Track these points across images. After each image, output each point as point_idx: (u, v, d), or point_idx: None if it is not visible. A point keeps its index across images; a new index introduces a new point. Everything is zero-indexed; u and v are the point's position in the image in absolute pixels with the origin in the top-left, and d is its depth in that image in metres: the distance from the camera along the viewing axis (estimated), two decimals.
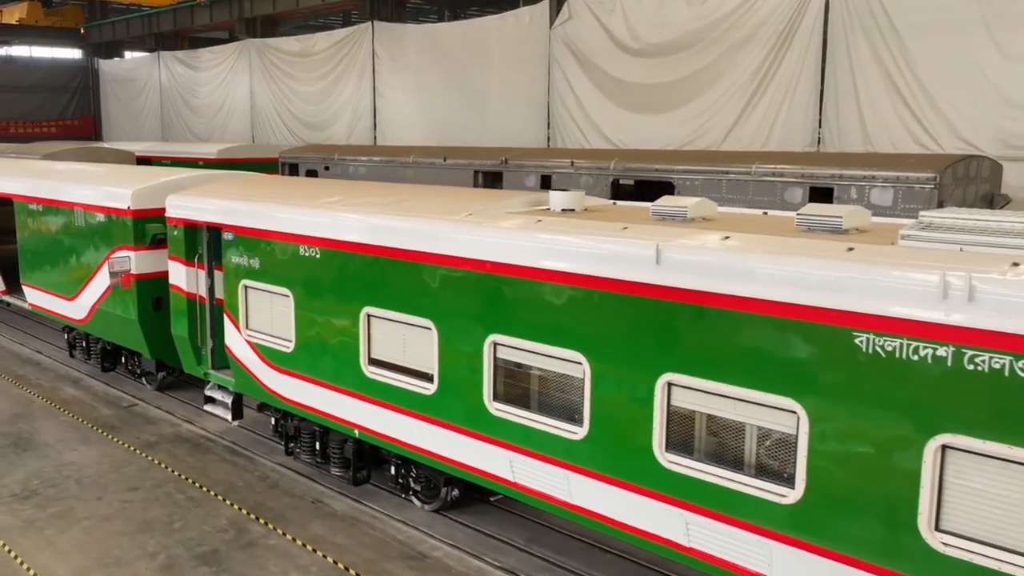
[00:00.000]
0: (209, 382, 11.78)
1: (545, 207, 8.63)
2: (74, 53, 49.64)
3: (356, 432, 9.32)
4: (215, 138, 38.30)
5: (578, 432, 7.06)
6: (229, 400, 11.36)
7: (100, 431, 12.37)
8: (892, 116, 18.43)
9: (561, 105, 24.84)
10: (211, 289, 11.49)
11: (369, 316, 8.83)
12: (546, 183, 19.24)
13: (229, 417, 11.38)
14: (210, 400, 11.82)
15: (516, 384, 7.59)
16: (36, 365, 15.85)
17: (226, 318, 10.77)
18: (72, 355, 15.40)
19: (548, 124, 25.36)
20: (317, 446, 10.21)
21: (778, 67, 20.33)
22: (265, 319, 10.20)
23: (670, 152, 18.68)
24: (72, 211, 13.68)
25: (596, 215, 7.94)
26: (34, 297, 15.49)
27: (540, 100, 25.42)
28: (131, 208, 12.26)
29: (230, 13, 36.08)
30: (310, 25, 45.28)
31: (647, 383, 6.52)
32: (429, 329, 8.19)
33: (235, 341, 10.69)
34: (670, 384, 6.46)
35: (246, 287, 10.38)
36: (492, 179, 20.96)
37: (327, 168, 24.81)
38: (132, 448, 11.71)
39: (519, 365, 7.52)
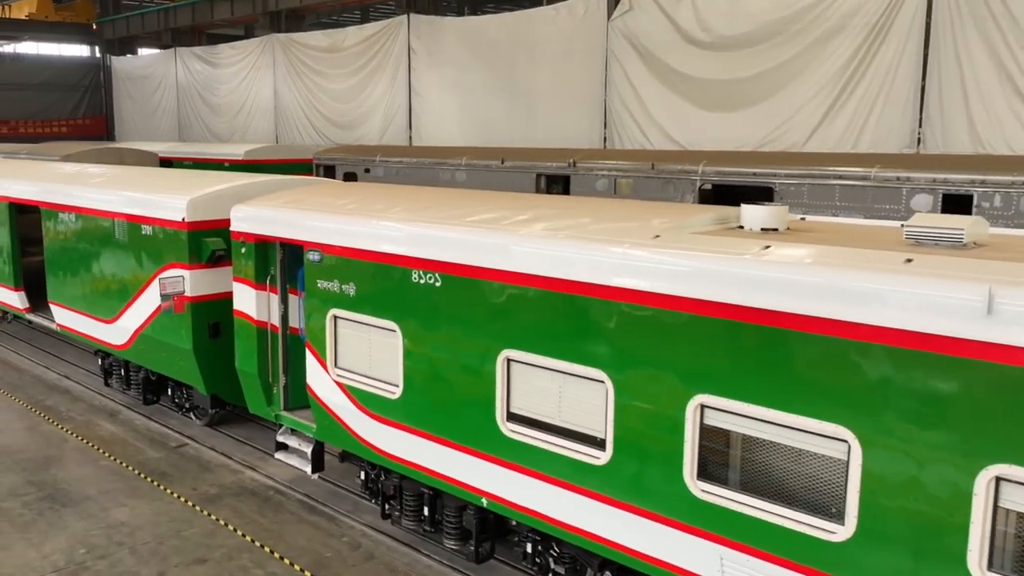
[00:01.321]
0: (281, 426, 10.02)
1: (733, 224, 6.86)
2: (85, 50, 47.92)
3: (483, 500, 7.55)
4: (236, 138, 36.56)
5: (836, 531, 5.29)
6: (308, 449, 9.58)
7: (149, 479, 10.61)
8: (1007, 113, 16.66)
9: (620, 103, 23.07)
10: (284, 317, 9.74)
11: (509, 361, 7.06)
12: (620, 188, 17.49)
13: (308, 470, 9.60)
14: (282, 447, 10.05)
15: (734, 461, 5.82)
16: (65, 393, 14.09)
17: (308, 353, 9.00)
18: (108, 384, 13.63)
19: (604, 124, 23.59)
20: (425, 511, 8.43)
21: (871, 61, 18.54)
22: (361, 357, 8.43)
23: (769, 154, 16.90)
24: (112, 222, 11.92)
25: (818, 237, 6.17)
26: (63, 317, 13.73)
27: (595, 98, 23.65)
28: (186, 220, 10.50)
29: (253, 7, 34.30)
30: (334, 20, 43.52)
31: (965, 476, 4.76)
32: (600, 383, 6.42)
33: (319, 381, 8.93)
34: (999, 479, 4.70)
35: (336, 318, 8.61)
36: (557, 184, 19.21)
37: (367, 171, 23.07)
38: (191, 503, 9.94)
39: (747, 439, 5.74)
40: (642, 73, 22.46)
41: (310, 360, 9.01)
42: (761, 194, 16.56)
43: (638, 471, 6.27)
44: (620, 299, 6.21)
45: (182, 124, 40.18)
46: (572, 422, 6.74)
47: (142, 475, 10.74)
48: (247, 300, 9.75)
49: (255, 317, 9.70)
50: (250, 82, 35.73)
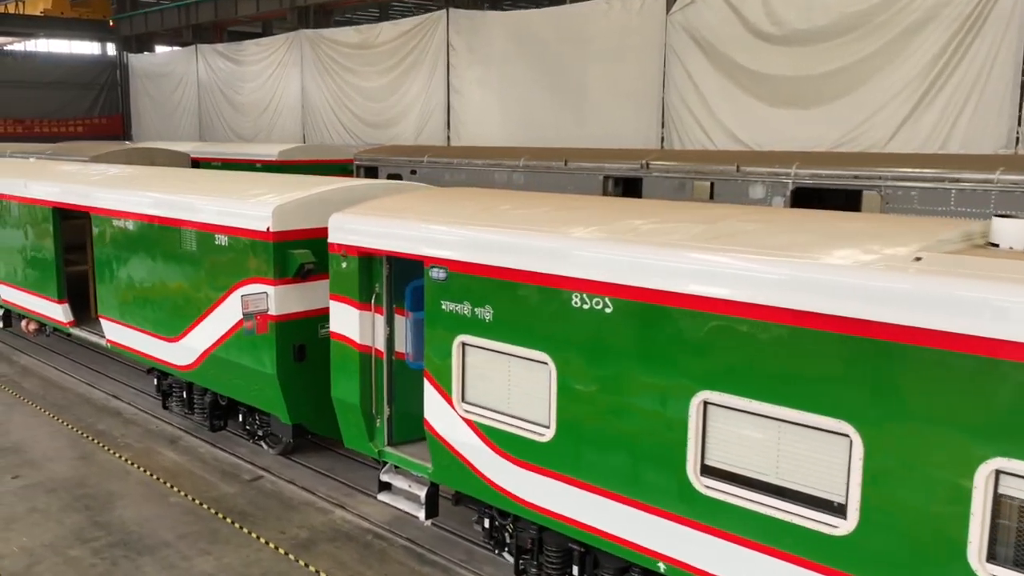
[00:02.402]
0: (384, 463, 8.85)
1: (979, 241, 5.69)
2: (100, 47, 46.80)
3: (660, 565, 6.39)
4: (260, 138, 35.43)
5: None
6: (420, 491, 8.41)
7: (229, 520, 9.45)
8: None
9: (679, 101, 21.90)
10: (390, 340, 8.58)
11: (707, 405, 5.90)
12: (700, 191, 16.33)
13: (420, 515, 8.43)
14: (385, 487, 8.88)
15: None
16: (116, 416, 12.93)
17: (428, 384, 7.84)
18: (166, 407, 12.46)
19: (662, 123, 22.43)
20: (575, 570, 7.27)
21: (963, 55, 17.38)
22: (498, 392, 7.28)
23: (873, 155, 15.75)
24: (179, 231, 10.75)
25: None
26: (115, 333, 12.58)
27: (652, 96, 22.49)
28: (271, 230, 9.33)
29: (280, 2, 33.14)
30: (360, 17, 42.31)
31: None
32: (843, 436, 5.26)
33: (442, 416, 7.77)
34: None
35: (466, 345, 7.46)
36: (628, 187, 18.05)
37: (414, 172, 21.90)
38: (282, 550, 8.79)
39: None
40: (704, 69, 21.29)
41: (430, 392, 7.85)
42: (854, 197, 15.42)
43: (895, 547, 5.11)
44: (878, 335, 5.05)
45: (203, 123, 39.04)
46: (795, 481, 5.57)
47: (220, 515, 9.58)
48: (348, 321, 8.59)
49: (357, 341, 8.54)
50: (276, 80, 34.59)
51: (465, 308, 7.40)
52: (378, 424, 8.71)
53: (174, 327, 11.20)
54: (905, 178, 13.64)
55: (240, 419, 11.22)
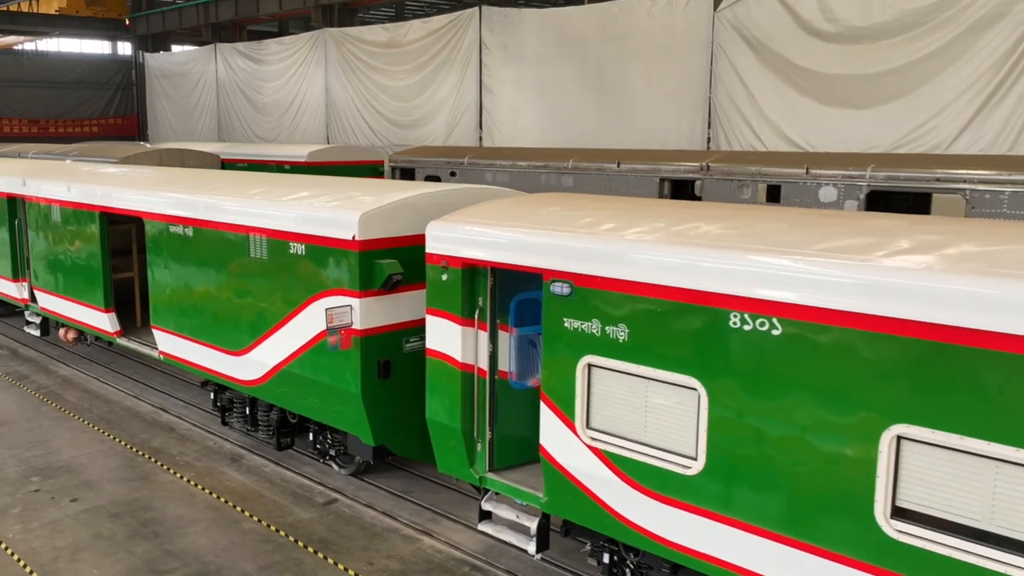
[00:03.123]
0: (487, 491, 8.22)
1: None
2: (116, 47, 46.20)
3: None
4: (282, 138, 34.81)
5: None
6: (530, 523, 7.77)
7: (311, 549, 8.82)
8: None
9: (727, 101, 21.28)
10: (493, 358, 7.95)
11: (901, 440, 5.27)
12: (772, 195, 15.70)
13: (531, 548, 7.79)
14: (486, 516, 8.25)
15: None
16: (169, 431, 12.30)
17: (545, 408, 7.21)
18: (226, 423, 11.81)
19: (708, 123, 21.80)
20: None
21: None
22: (632, 419, 6.64)
23: (957, 157, 15.09)
24: (246, 238, 10.11)
25: None
26: (169, 345, 11.95)
27: (697, 95, 21.87)
28: (358, 238, 8.69)
29: (304, 0, 32.52)
30: (380, 14, 41.67)
31: None
32: None
33: (561, 443, 7.14)
34: None
35: (593, 367, 6.82)
36: (685, 189, 17.43)
37: (453, 174, 21.28)
38: None
39: None
40: (754, 68, 20.67)
41: (547, 417, 7.21)
42: (923, 200, 14.79)
43: None
44: None
45: (222, 123, 38.45)
46: (1014, 528, 4.94)
47: (299, 543, 8.95)
48: (448, 338, 7.96)
49: (459, 359, 7.91)
50: (299, 79, 33.99)
51: (593, 326, 6.76)
52: (479, 448, 8.08)
53: (239, 340, 10.57)
54: (993, 181, 13.03)
55: (311, 438, 10.57)
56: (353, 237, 8.76)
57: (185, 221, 11.15)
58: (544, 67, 25.20)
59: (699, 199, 16.86)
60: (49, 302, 14.96)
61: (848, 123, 19.21)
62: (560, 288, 6.96)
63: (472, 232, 7.71)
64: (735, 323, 5.93)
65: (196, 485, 10.42)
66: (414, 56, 28.99)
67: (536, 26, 25.32)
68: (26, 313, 16.14)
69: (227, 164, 25.65)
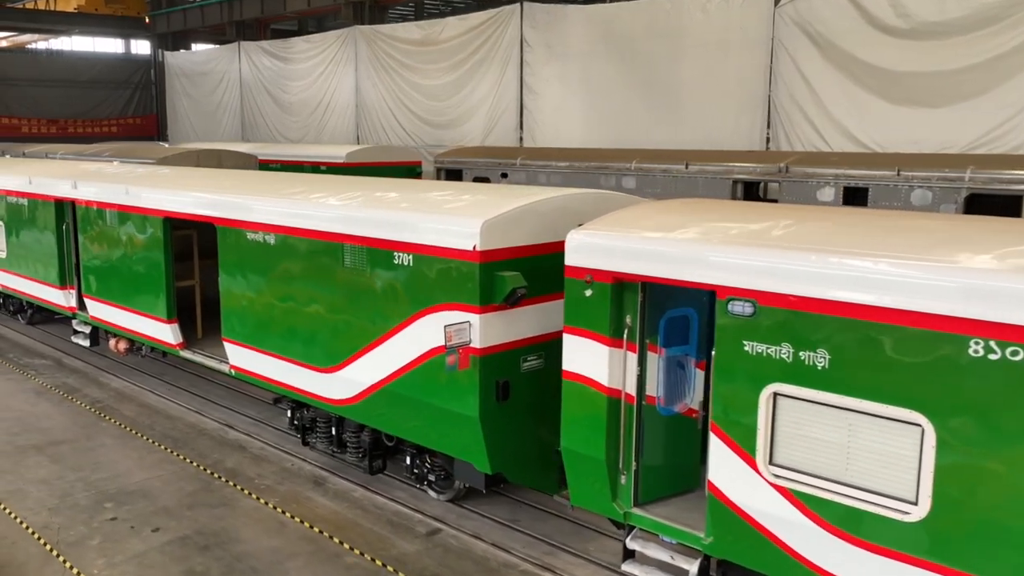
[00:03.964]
0: (630, 527, 7.47)
1: None
2: (134, 46, 45.49)
3: None
4: (309, 139, 34.11)
5: None
6: (689, 565, 7.02)
7: None
8: None
9: (788, 99, 20.56)
10: (642, 381, 7.20)
11: None
12: (852, 197, 14.96)
13: None
14: (629, 555, 7.50)
15: None
16: (241, 450, 11.56)
17: (717, 440, 6.47)
18: (307, 443, 11.04)
19: (768, 122, 21.06)
20: None
21: None
22: (831, 455, 5.90)
23: None
24: (341, 247, 9.35)
25: None
26: (242, 359, 11.21)
27: (756, 94, 21.15)
28: (479, 248, 7.94)
29: None
30: (406, 11, 40.90)
31: None
32: None
33: (736, 479, 6.39)
34: None
35: (780, 396, 6.08)
36: (760, 192, 16.69)
37: (504, 175, 20.56)
38: None
39: None
40: (818, 65, 19.96)
41: (719, 450, 6.47)
42: (1014, 203, 14.04)
43: None
44: None
45: (246, 123, 37.73)
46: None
47: None
48: (592, 360, 7.21)
49: (604, 383, 7.16)
50: (327, 78, 33.27)
51: (783, 351, 6.02)
52: (623, 481, 7.33)
53: (328, 356, 9.81)
54: None
55: (407, 462, 9.81)
56: (474, 247, 8.01)
57: (267, 228, 10.40)
58: (590, 65, 24.47)
59: (773, 201, 16.14)
60: (101, 311, 14.22)
61: (921, 123, 18.48)
62: (740, 307, 6.22)
63: (624, 243, 6.96)
64: (976, 351, 5.18)
65: (283, 512, 9.68)
66: (450, 54, 28.27)
67: (582, 23, 24.59)
68: (74, 322, 15.40)
69: (262, 165, 24.94)
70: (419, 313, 8.66)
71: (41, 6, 41.00)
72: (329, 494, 10.18)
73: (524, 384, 8.46)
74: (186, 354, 12.59)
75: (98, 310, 14.28)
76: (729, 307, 6.28)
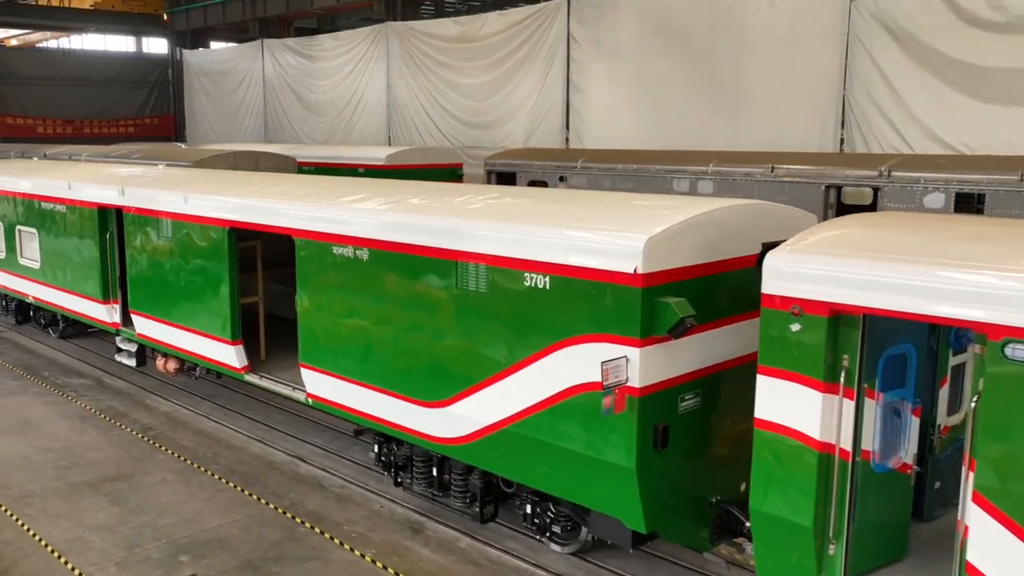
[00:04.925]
0: None
1: None
2: (136, 44, 44.32)
3: None
4: (336, 139, 32.87)
5: None
6: None
7: None
8: None
9: (865, 98, 19.32)
10: (858, 433, 5.99)
11: None
12: (965, 204, 13.75)
13: None
14: None
15: None
16: (320, 489, 10.35)
17: (980, 513, 5.25)
18: (399, 483, 9.80)
19: (842, 122, 19.83)
20: None
21: None
22: None
23: None
24: (456, 265, 8.14)
25: None
26: (324, 388, 10.00)
27: (829, 92, 19.90)
28: (641, 271, 6.73)
29: None
30: (435, 7, 39.66)
31: None
32: None
33: (1013, 565, 5.17)
34: None
35: None
36: (853, 199, 15.44)
37: (563, 179, 19.33)
38: None
39: None
40: (899, 61, 18.71)
41: (984, 525, 5.26)
42: None
43: None
44: None
45: (270, 123, 36.53)
46: None
47: None
48: (798, 408, 6.00)
49: (816, 436, 5.95)
50: (357, 77, 32.05)
51: None
52: (831, 551, 6.12)
53: (434, 389, 8.60)
54: None
55: (528, 510, 8.58)
56: (635, 269, 6.79)
57: (359, 241, 9.18)
58: (643, 62, 23.24)
59: (870, 209, 14.92)
60: (150, 328, 13.01)
61: (1015, 122, 17.24)
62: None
63: (847, 268, 5.74)
64: None
65: (386, 568, 8.47)
66: (490, 51, 27.05)
67: (634, 18, 23.36)
68: (118, 339, 14.19)
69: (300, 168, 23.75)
70: (557, 344, 7.44)
71: (56, 3, 39.82)
72: (431, 544, 8.96)
73: (682, 427, 7.26)
74: (252, 379, 11.38)
75: (147, 327, 13.08)
76: (1008, 351, 5.06)
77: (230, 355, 11.44)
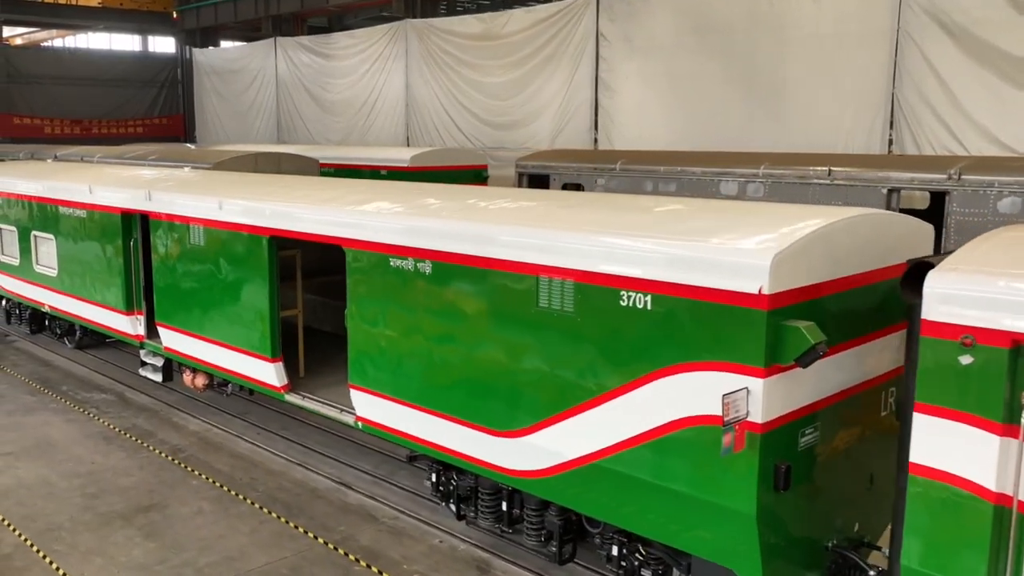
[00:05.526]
0: None
1: None
2: (141, 43, 43.52)
3: None
4: (352, 140, 32.05)
5: None
6: None
7: None
8: None
9: (917, 97, 18.48)
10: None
11: None
12: None
13: None
14: None
15: None
16: (372, 521, 9.52)
17: None
18: (462, 516, 8.97)
19: (891, 122, 19.00)
20: None
21: None
22: None
23: None
24: (537, 281, 7.30)
25: None
26: (377, 411, 9.17)
27: (877, 91, 19.06)
28: (766, 291, 5.91)
29: None
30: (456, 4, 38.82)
31: None
32: None
33: None
34: None
35: None
36: (925, 204, 14.64)
37: (599, 182, 18.52)
38: None
39: None
40: (954, 58, 17.87)
41: None
42: None
43: None
44: None
45: (282, 124, 35.70)
46: None
47: None
48: (968, 453, 5.17)
49: (990, 487, 5.13)
50: (374, 76, 31.22)
51: None
52: None
53: (509, 417, 7.78)
54: None
55: (614, 551, 7.74)
56: (760, 289, 5.96)
57: (422, 253, 8.36)
58: (677, 60, 22.40)
59: (928, 216, 14.11)
60: (178, 342, 12.19)
61: None
62: None
63: None
64: None
65: None
66: (514, 49, 26.22)
67: (668, 14, 22.53)
68: (142, 352, 13.36)
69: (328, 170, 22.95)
70: (659, 372, 6.61)
71: (63, 1, 39.03)
72: None
73: (802, 465, 6.44)
74: (292, 399, 10.55)
75: (174, 341, 12.26)
76: None
77: (269, 373, 10.61)
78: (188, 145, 32.74)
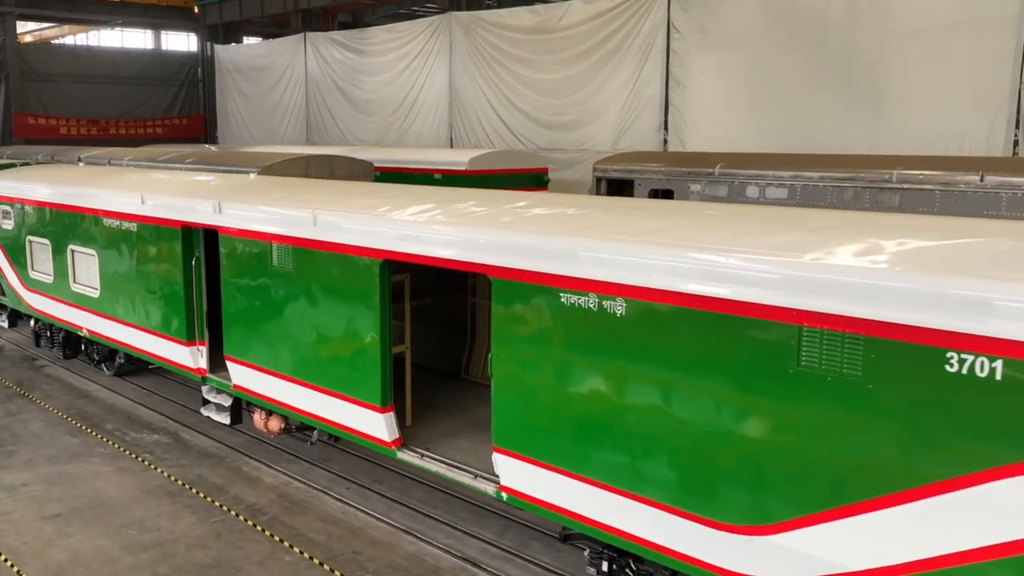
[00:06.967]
0: None
1: None
2: (154, 40, 41.68)
3: None
4: (388, 141, 30.17)
5: None
6: None
7: None
8: None
9: None
10: None
11: None
12: None
13: None
14: None
15: None
16: None
17: None
18: None
19: (1017, 122, 17.11)
20: None
21: None
22: None
23: None
24: (803, 333, 5.45)
25: None
26: (534, 483, 7.29)
27: (999, 86, 17.17)
28: None
29: None
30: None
31: None
32: None
33: None
34: None
35: None
36: None
37: (693, 188, 16.63)
38: None
39: None
40: None
41: None
42: None
43: None
44: None
45: (312, 124, 33.82)
46: None
47: None
48: None
49: None
50: (414, 73, 29.32)
51: None
52: None
53: (745, 508, 5.90)
54: None
55: None
56: None
57: (609, 288, 6.47)
58: (762, 54, 20.51)
59: None
60: (251, 379, 10.33)
61: None
62: None
63: None
64: None
65: None
66: (573, 43, 24.31)
67: (751, 4, 20.64)
68: (204, 389, 11.49)
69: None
70: (1004, 470, 4.73)
71: None
72: None
73: None
74: (407, 457, 8.67)
75: (247, 378, 10.40)
76: None
77: (378, 425, 8.73)
78: (214, 147, 30.87)
